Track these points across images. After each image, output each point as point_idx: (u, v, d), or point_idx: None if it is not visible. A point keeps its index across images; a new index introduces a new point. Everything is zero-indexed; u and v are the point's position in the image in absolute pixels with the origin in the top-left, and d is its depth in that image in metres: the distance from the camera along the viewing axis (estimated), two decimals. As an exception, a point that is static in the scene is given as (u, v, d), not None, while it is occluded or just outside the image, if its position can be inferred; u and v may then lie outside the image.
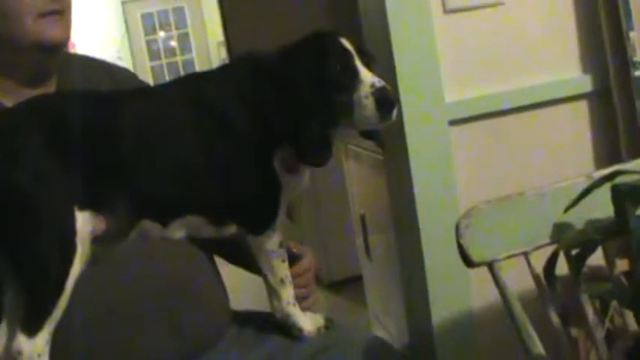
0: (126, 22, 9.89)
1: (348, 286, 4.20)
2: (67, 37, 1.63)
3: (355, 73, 1.48)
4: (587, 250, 1.48)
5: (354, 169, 3.42)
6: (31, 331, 1.35)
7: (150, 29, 10.10)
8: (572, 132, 2.12)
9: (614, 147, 2.06)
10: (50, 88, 1.69)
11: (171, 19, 10.12)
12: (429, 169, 2.02)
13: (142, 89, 1.77)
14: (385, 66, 1.93)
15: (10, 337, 1.36)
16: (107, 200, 1.44)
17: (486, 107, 2.05)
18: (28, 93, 1.58)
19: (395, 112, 1.47)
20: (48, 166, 1.38)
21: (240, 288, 1.88)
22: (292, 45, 1.55)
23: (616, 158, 2.05)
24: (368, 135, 1.63)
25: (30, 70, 1.64)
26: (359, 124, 1.49)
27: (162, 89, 1.65)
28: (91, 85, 1.72)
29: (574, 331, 2.00)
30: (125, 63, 9.20)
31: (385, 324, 3.10)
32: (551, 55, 2.11)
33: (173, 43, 10.02)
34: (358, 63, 1.49)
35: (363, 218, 3.33)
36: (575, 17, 2.11)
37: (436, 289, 2.06)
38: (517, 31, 2.08)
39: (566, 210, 1.48)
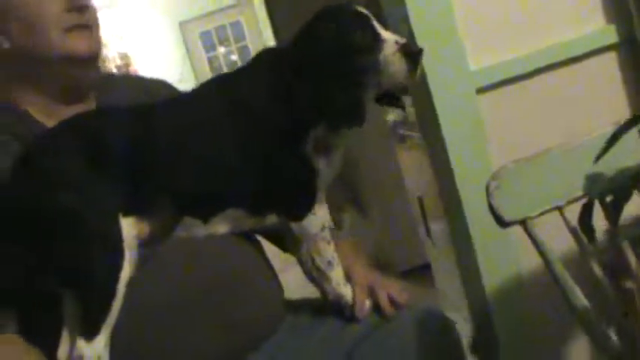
0: (185, 42, 10.02)
1: (420, 273, 4.09)
2: (96, 51, 1.67)
3: (376, 34, 1.52)
4: (621, 196, 1.46)
5: (406, 154, 3.43)
6: (90, 335, 1.41)
7: (210, 46, 10.22)
8: (603, 86, 2.08)
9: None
10: (90, 105, 1.75)
11: (230, 33, 10.23)
12: (461, 140, 2.02)
13: (173, 96, 1.82)
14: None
15: (72, 344, 1.43)
16: (148, 204, 1.51)
17: (512, 71, 2.03)
18: (65, 110, 1.65)
19: (420, 66, 1.51)
20: (88, 180, 1.46)
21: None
22: (305, 25, 1.59)
23: (651, 107, 2.02)
24: (390, 101, 1.64)
25: (63, 85, 1.68)
26: (388, 81, 1.53)
27: (191, 93, 1.70)
28: (130, 102, 1.74)
29: (628, 283, 1.96)
30: (188, 83, 9.35)
31: (457, 305, 3.08)
32: (572, 9, 2.08)
33: (234, 57, 10.11)
34: (376, 24, 1.54)
35: (420, 201, 3.33)
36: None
37: (484, 257, 2.06)
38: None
39: (597, 160, 1.46)
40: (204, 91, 1.67)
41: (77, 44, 1.63)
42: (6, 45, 1.63)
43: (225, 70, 9.81)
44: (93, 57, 1.67)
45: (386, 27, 1.55)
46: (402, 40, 1.53)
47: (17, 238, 1.43)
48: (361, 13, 1.55)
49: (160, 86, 1.96)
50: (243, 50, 10.09)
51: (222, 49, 10.25)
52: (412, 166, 3.33)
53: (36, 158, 1.49)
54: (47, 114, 1.66)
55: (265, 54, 1.66)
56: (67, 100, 1.69)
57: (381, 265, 4.45)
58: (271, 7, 4.86)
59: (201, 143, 1.55)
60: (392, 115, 3.61)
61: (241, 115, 1.56)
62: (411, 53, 1.51)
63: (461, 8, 2.00)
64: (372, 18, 1.55)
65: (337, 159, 1.63)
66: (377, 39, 1.52)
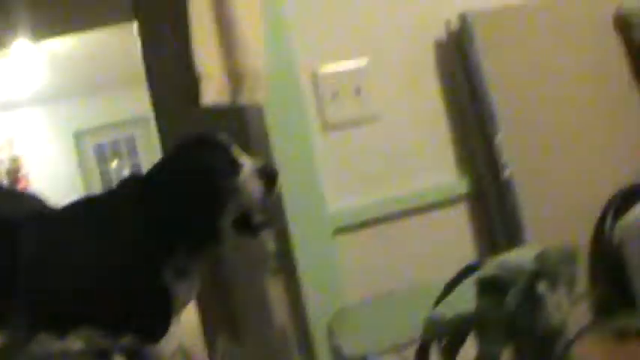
0: (78, 152, 9.98)
1: None
2: None
3: (234, 160, 1.63)
4: (457, 339, 1.54)
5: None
6: None
7: (103, 159, 10.19)
8: (453, 234, 2.18)
9: (494, 245, 2.14)
10: None
11: (124, 149, 10.23)
12: (316, 279, 2.08)
13: (39, 212, 1.85)
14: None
15: None
16: (3, 317, 1.51)
17: (369, 214, 2.12)
18: None
19: (277, 186, 1.64)
20: None
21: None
22: (167, 154, 1.68)
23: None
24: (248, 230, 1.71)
25: None
26: (247, 202, 1.62)
27: (59, 212, 1.74)
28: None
29: None
30: (79, 193, 9.22)
31: None
32: (427, 162, 2.20)
33: (126, 173, 10.07)
34: (235, 151, 1.63)
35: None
36: (446, 125, 2.22)
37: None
38: (394, 142, 2.18)
39: (436, 303, 1.55)
40: (71, 210, 1.71)
41: None
42: None
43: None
44: None
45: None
46: (259, 164, 1.63)
47: None
48: (220, 141, 1.65)
49: (30, 200, 1.99)
50: (135, 166, 10.08)
51: (114, 164, 10.21)
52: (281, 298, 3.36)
53: None
54: None
55: (131, 181, 1.72)
56: None
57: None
58: (162, 127, 4.91)
59: (62, 262, 1.59)
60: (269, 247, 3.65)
61: (104, 241, 1.61)
62: (268, 175, 1.63)
63: (322, 151, 2.11)
64: (232, 145, 1.65)
65: (195, 282, 1.68)
66: (235, 164, 1.62)
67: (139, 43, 4.57)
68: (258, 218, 1.70)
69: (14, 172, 8.70)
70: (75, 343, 1.62)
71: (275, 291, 3.65)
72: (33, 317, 1.55)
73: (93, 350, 1.66)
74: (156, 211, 1.61)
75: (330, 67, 2.15)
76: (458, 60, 2.17)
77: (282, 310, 3.51)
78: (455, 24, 2.18)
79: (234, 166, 1.64)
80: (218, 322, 4.84)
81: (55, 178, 9.25)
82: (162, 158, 1.71)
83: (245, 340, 4.70)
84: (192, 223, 1.59)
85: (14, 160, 9.05)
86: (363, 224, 2.12)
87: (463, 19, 2.14)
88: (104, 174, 10.19)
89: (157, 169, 1.68)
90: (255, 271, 4.23)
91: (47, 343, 1.59)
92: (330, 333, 1.68)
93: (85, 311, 1.60)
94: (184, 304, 1.69)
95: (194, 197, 1.60)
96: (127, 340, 1.64)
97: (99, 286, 1.58)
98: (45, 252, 1.59)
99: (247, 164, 1.65)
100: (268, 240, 3.55)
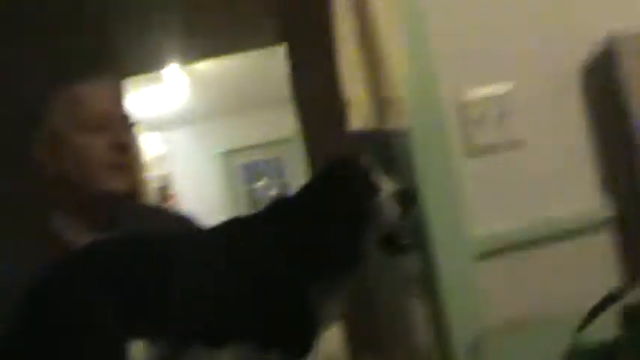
0: (226, 172, 10.19)
1: None
2: (133, 189, 1.83)
3: (373, 183, 1.68)
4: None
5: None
6: None
7: (250, 179, 10.37)
8: (595, 261, 2.16)
9: (638, 273, 2.09)
10: (117, 230, 1.86)
11: (272, 169, 10.38)
12: (459, 302, 2.10)
13: (191, 232, 1.95)
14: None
15: None
16: (159, 330, 1.59)
17: (512, 239, 2.13)
18: (97, 235, 1.76)
19: (415, 209, 1.69)
20: (101, 306, 1.54)
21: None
22: (314, 176, 1.75)
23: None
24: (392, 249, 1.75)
25: (100, 215, 1.83)
26: (385, 224, 1.66)
27: (208, 231, 1.82)
28: (155, 231, 1.87)
29: None
30: (226, 211, 9.48)
31: None
32: (571, 187, 2.19)
33: (272, 193, 10.14)
34: (376, 174, 1.70)
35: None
36: (590, 149, 2.21)
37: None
38: (538, 167, 2.18)
39: (579, 331, 1.54)
40: (220, 229, 1.78)
41: (117, 182, 1.78)
42: (54, 172, 1.79)
43: (262, 204, 9.82)
44: (130, 194, 1.83)
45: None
46: (398, 187, 1.69)
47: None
48: (362, 164, 1.71)
49: (184, 220, 2.09)
50: (282, 186, 10.21)
51: (261, 183, 10.39)
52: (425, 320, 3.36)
53: (53, 282, 1.58)
54: (82, 238, 1.78)
55: (280, 202, 1.79)
56: (102, 229, 1.82)
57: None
58: (309, 147, 5.01)
59: (215, 279, 1.66)
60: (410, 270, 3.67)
61: (252, 260, 1.67)
62: (406, 198, 1.68)
63: (466, 175, 2.14)
64: (372, 168, 1.71)
65: (341, 302, 1.73)
66: (374, 187, 1.68)
67: (285, 66, 4.71)
68: (403, 239, 1.74)
69: (164, 190, 8.96)
70: (226, 357, 1.69)
71: (419, 312, 3.67)
72: (185, 332, 1.63)
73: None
74: (299, 234, 1.67)
75: (475, 92, 2.18)
76: (603, 84, 2.15)
77: (425, 332, 3.53)
78: (600, 47, 2.16)
79: (374, 189, 1.70)
80: (362, 340, 4.89)
81: (202, 197, 9.52)
82: (306, 182, 1.78)
83: (390, 357, 4.73)
84: (335, 245, 1.65)
85: (164, 178, 9.34)
86: (507, 249, 2.13)
87: (609, 42, 2.12)
88: (251, 193, 10.38)
89: (301, 192, 1.75)
90: (399, 293, 4.26)
91: (198, 356, 1.66)
92: (472, 356, 1.69)
93: (235, 328, 1.66)
94: (330, 323, 1.74)
95: (337, 220, 1.66)
96: (274, 357, 1.70)
97: (249, 305, 1.65)
98: (196, 269, 1.66)
99: (386, 187, 1.70)
100: (413, 262, 3.58)
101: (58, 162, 1.81)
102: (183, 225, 2.05)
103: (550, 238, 2.15)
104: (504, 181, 2.17)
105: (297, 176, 9.73)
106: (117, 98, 1.84)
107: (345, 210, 1.66)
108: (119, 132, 1.78)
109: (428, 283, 2.21)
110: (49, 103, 1.82)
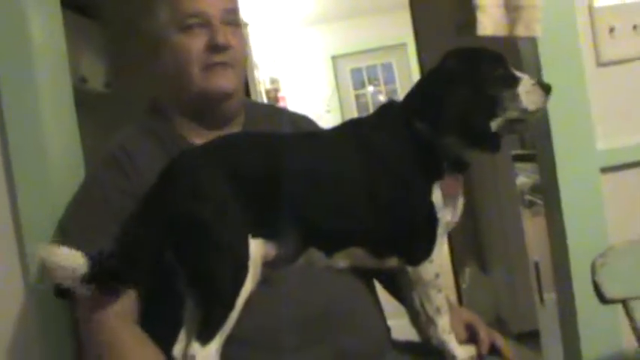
0: (335, 76, 10.21)
1: (530, 338, 3.95)
2: (232, 88, 1.82)
3: (514, 74, 1.70)
4: None
5: (532, 220, 3.45)
6: (205, 340, 1.53)
7: (359, 84, 10.38)
8: None
9: None
10: (236, 129, 1.91)
11: (380, 74, 10.36)
12: (581, 216, 2.06)
13: (311, 132, 1.95)
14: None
15: (188, 343, 1.55)
16: (278, 230, 1.62)
17: (637, 155, 2.07)
18: (212, 134, 1.81)
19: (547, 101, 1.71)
20: (225, 198, 1.59)
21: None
22: (438, 68, 1.73)
23: None
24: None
25: (210, 115, 1.86)
26: (526, 107, 1.67)
27: (328, 133, 1.82)
28: (272, 129, 1.91)
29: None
30: (333, 115, 9.53)
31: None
32: None
33: (381, 98, 10.20)
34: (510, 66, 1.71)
35: (537, 268, 3.35)
36: None
37: (587, 331, 2.06)
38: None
39: None
40: (339, 131, 1.78)
41: (214, 81, 1.80)
42: (160, 71, 1.84)
43: (371, 109, 9.88)
44: (229, 93, 1.82)
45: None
46: (534, 79, 1.70)
47: (157, 238, 1.57)
48: (499, 54, 1.70)
49: (304, 121, 2.10)
50: (391, 92, 10.18)
51: (370, 88, 10.38)
52: (536, 233, 3.35)
53: (179, 170, 1.64)
54: (197, 137, 1.84)
55: (389, 106, 1.78)
56: (212, 126, 1.86)
57: (495, 322, 4.47)
58: (422, 53, 4.96)
59: (333, 181, 1.66)
60: (522, 180, 3.65)
61: (372, 161, 1.67)
62: (545, 85, 1.70)
63: (594, 87, 2.07)
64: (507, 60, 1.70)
65: (458, 210, 1.73)
66: (514, 76, 1.68)
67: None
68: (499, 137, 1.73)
69: (273, 92, 9.03)
70: (341, 261, 1.71)
71: (528, 224, 3.65)
72: (304, 233, 1.64)
73: (358, 270, 1.75)
74: (439, 106, 1.66)
75: (607, 1, 2.09)
76: None
77: (533, 243, 3.51)
78: None
79: (514, 77, 1.68)
80: (466, 251, 4.91)
81: (311, 100, 9.59)
82: (423, 80, 1.77)
83: (492, 271, 4.75)
84: (472, 125, 1.64)
85: (274, 81, 9.41)
86: (632, 165, 2.08)
87: None
88: (359, 98, 10.39)
89: (436, 73, 1.74)
90: (506, 203, 4.24)
91: (315, 258, 1.68)
92: (593, 271, 1.67)
93: (354, 231, 1.67)
94: (446, 231, 1.74)
95: (476, 100, 1.65)
96: (391, 262, 1.72)
97: (368, 206, 1.65)
98: (316, 170, 1.66)
99: (524, 76, 1.69)
100: (523, 173, 3.54)
101: (163, 64, 1.84)
102: (302, 125, 2.06)
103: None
104: (634, 95, 2.10)
105: (406, 82, 9.70)
106: None
107: (484, 92, 1.65)
108: (216, 32, 1.78)
109: (549, 196, 2.17)
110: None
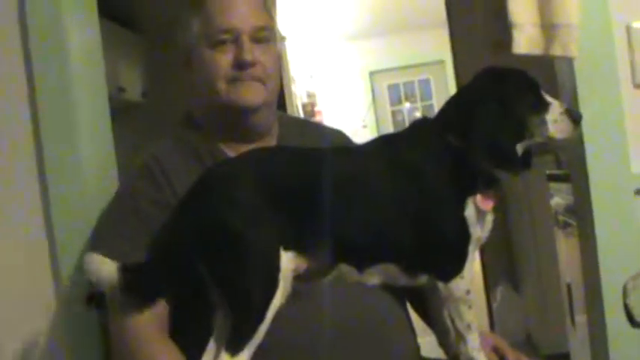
0: (372, 91, 10.22)
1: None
2: (258, 102, 1.84)
3: (543, 97, 1.70)
4: None
5: (565, 240, 3.43)
6: (234, 351, 1.52)
7: (396, 100, 10.38)
8: None
9: None
10: (270, 143, 1.93)
11: (417, 91, 10.36)
12: (613, 238, 2.04)
13: (344, 147, 1.96)
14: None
15: (217, 354, 1.54)
16: (309, 243, 1.62)
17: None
18: (246, 147, 1.82)
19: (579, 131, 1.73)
20: (259, 210, 1.58)
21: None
22: (470, 85, 1.75)
23: None
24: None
25: (239, 128, 1.88)
26: (553, 135, 1.68)
27: (362, 148, 1.83)
28: (306, 144, 1.90)
29: None
30: (369, 131, 9.54)
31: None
32: None
33: (417, 115, 10.16)
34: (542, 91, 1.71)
35: (569, 289, 3.32)
36: None
37: (617, 355, 2.06)
38: None
39: None
40: (372, 147, 1.78)
41: (239, 95, 1.82)
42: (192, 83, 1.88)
43: (407, 124, 9.84)
44: (254, 107, 1.84)
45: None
46: (565, 105, 1.70)
47: (189, 247, 1.58)
48: (531, 77, 1.71)
49: (338, 136, 2.11)
50: (427, 108, 10.17)
51: (407, 105, 10.37)
52: (569, 254, 3.33)
53: (213, 179, 1.64)
54: (230, 149, 1.87)
55: (422, 122, 1.78)
56: (244, 139, 1.88)
57: (525, 343, 4.44)
58: (460, 70, 4.96)
59: (366, 196, 1.67)
60: (556, 201, 3.63)
61: (405, 176, 1.67)
62: (575, 115, 1.69)
63: (631, 108, 2.06)
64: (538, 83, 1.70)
65: (489, 226, 1.72)
66: (544, 102, 1.68)
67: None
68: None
69: (310, 106, 9.05)
70: (372, 277, 1.70)
71: (561, 244, 3.63)
72: (336, 247, 1.63)
73: (389, 286, 1.74)
74: (465, 128, 1.66)
75: (646, 21, 2.07)
76: None
77: (566, 264, 3.49)
78: None
79: (543, 103, 1.68)
80: (499, 269, 4.89)
81: (347, 115, 9.61)
82: (467, 88, 1.77)
83: (524, 290, 4.71)
84: (498, 145, 1.65)
85: (311, 95, 9.44)
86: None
87: None
88: (396, 115, 10.39)
89: (467, 90, 1.75)
90: (540, 223, 4.22)
91: (346, 273, 1.68)
92: (625, 293, 1.65)
93: (386, 247, 1.67)
94: (478, 247, 1.73)
95: (503, 122, 1.65)
96: (422, 279, 1.71)
97: (400, 222, 1.65)
98: (350, 184, 1.66)
99: (555, 103, 1.69)
100: (558, 194, 3.52)
101: (193, 76, 1.88)
102: (336, 140, 2.06)
103: None
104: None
105: (443, 99, 9.64)
106: (252, 11, 1.85)
107: (513, 114, 1.66)
108: (243, 48, 1.80)
109: (582, 218, 2.15)
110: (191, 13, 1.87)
